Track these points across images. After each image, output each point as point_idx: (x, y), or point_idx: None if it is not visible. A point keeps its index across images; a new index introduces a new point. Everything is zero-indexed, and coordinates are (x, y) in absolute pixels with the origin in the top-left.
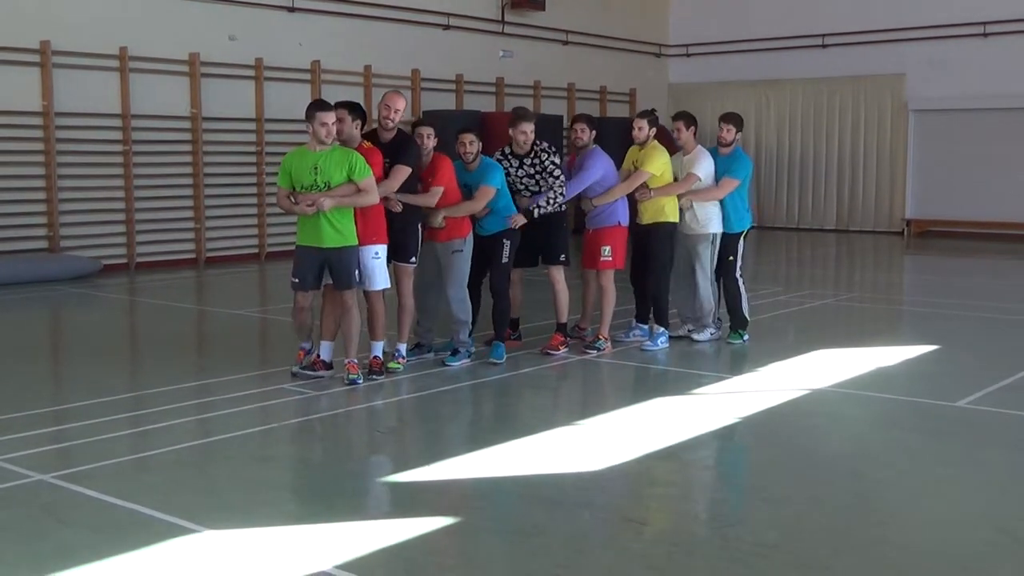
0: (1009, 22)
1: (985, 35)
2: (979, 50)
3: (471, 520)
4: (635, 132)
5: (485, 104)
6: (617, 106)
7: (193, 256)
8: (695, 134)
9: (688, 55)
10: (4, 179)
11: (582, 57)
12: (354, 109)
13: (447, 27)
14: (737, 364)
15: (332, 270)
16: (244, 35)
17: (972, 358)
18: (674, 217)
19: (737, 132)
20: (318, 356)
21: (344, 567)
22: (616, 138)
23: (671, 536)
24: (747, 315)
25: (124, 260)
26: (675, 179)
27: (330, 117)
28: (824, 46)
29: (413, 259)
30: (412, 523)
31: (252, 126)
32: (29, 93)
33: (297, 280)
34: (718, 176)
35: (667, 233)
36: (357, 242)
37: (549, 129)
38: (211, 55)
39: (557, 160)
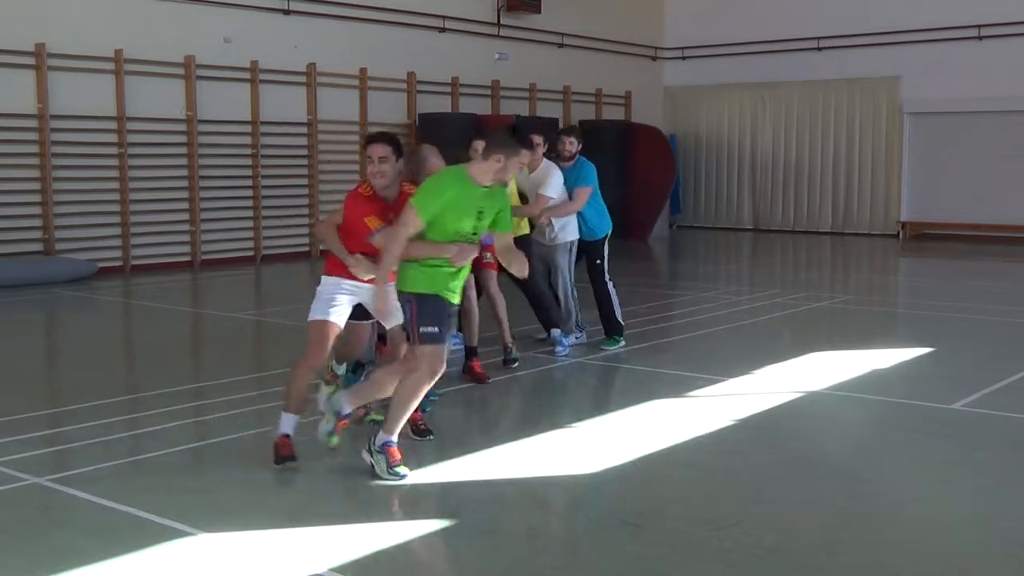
0: (1004, 25)
1: (980, 38)
2: (974, 53)
3: (466, 522)
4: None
5: (481, 107)
6: (613, 109)
7: (189, 259)
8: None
9: (683, 58)
10: (0, 181)
11: (577, 60)
12: (393, 143)
13: (443, 30)
14: (733, 366)
15: None
16: (239, 37)
17: (968, 360)
18: (527, 230)
19: (579, 144)
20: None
21: (339, 569)
22: (611, 142)
23: (667, 538)
24: (620, 320)
25: (119, 263)
26: (521, 196)
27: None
28: (819, 48)
29: None
30: (407, 525)
31: (247, 128)
32: (24, 95)
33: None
34: (568, 188)
35: (526, 247)
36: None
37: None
38: (206, 57)
39: None
